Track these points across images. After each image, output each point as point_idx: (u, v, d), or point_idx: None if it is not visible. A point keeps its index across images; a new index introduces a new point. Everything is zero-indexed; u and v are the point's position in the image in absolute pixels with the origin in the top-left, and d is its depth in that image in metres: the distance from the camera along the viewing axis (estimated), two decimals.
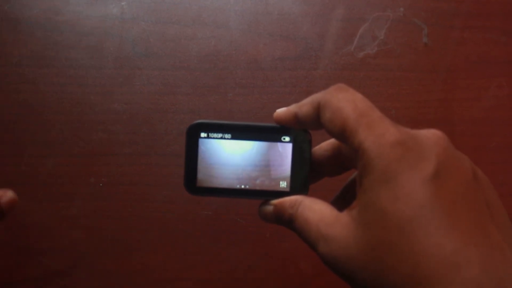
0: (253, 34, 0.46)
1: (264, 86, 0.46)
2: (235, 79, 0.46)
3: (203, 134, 0.28)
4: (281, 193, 0.28)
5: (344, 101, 0.24)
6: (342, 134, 0.23)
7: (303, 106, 0.26)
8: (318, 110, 0.25)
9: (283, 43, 0.46)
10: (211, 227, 0.45)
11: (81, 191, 0.45)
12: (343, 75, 0.46)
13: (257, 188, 0.28)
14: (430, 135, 0.23)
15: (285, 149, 0.28)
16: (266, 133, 0.28)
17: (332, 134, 0.25)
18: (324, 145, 0.29)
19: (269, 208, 0.28)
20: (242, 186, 0.28)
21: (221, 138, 0.28)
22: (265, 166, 0.28)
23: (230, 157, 0.28)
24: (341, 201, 0.30)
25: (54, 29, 0.46)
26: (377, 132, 0.22)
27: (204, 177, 0.28)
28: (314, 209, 0.25)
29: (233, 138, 0.28)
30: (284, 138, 0.28)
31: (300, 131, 0.28)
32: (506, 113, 0.46)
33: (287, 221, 0.27)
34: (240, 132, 0.28)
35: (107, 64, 0.46)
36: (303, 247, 0.46)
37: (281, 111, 0.27)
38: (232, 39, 0.46)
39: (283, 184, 0.28)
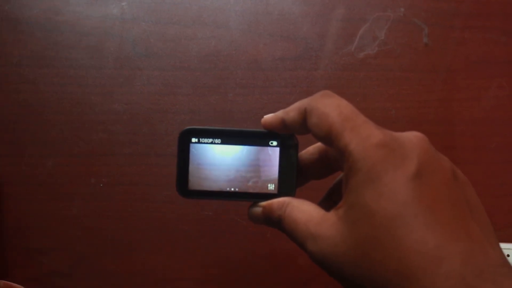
0: (253, 34, 0.46)
1: (265, 86, 0.46)
2: (235, 79, 0.46)
3: (194, 140, 0.30)
4: (270, 195, 0.29)
5: (330, 107, 0.25)
6: (328, 138, 0.24)
7: (290, 112, 0.27)
8: (304, 115, 0.26)
9: (283, 43, 0.46)
10: (211, 227, 0.45)
11: (81, 191, 0.45)
12: (343, 75, 0.46)
13: (247, 190, 0.30)
14: (412, 137, 0.24)
15: (273, 153, 0.30)
16: (255, 138, 0.30)
17: (318, 138, 0.26)
18: (311, 149, 0.31)
19: (258, 209, 0.29)
20: (232, 189, 0.30)
21: (212, 143, 0.30)
22: (254, 169, 0.30)
23: (220, 161, 0.30)
24: (328, 202, 0.31)
25: (54, 29, 0.46)
26: (362, 135, 0.23)
27: (195, 180, 0.30)
28: (302, 210, 0.26)
29: (222, 143, 0.30)
30: (272, 143, 0.29)
31: (287, 135, 0.29)
32: (506, 113, 0.46)
33: (276, 222, 0.28)
34: (229, 137, 0.30)
35: (107, 64, 0.46)
36: None
37: (268, 117, 0.29)
38: (232, 39, 0.46)
39: (271, 187, 0.30)
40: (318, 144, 0.30)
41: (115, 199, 0.45)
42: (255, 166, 0.29)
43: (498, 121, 0.46)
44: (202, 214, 0.45)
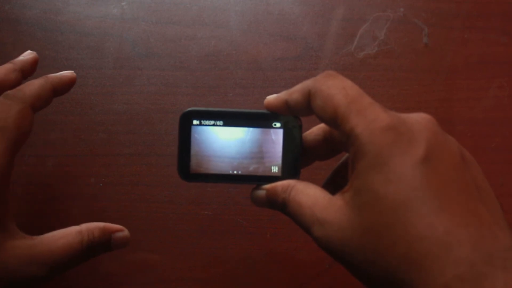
0: (253, 34, 0.46)
1: (264, 86, 0.46)
2: (235, 79, 0.46)
3: (195, 122, 0.29)
4: (273, 178, 0.28)
5: (335, 88, 0.24)
6: (334, 120, 0.24)
7: (293, 94, 0.27)
8: (308, 97, 0.26)
9: (283, 43, 0.46)
10: (211, 227, 0.45)
11: (81, 191, 0.45)
12: (343, 75, 0.46)
13: (250, 173, 0.29)
14: (420, 119, 0.23)
15: (276, 135, 0.29)
16: (257, 119, 0.29)
17: (323, 121, 0.25)
18: (315, 130, 0.30)
19: (262, 192, 0.28)
20: (235, 172, 0.29)
21: (213, 125, 0.29)
22: (257, 151, 0.29)
23: (222, 143, 0.29)
24: (332, 184, 0.30)
25: (54, 29, 0.46)
26: (368, 118, 0.23)
27: (197, 163, 0.29)
28: (307, 193, 0.25)
29: (225, 125, 0.29)
30: (275, 124, 0.29)
31: (290, 117, 0.28)
32: (507, 114, 0.46)
33: (280, 205, 0.27)
34: (231, 119, 0.29)
35: (108, 65, 0.46)
36: (303, 248, 0.46)
37: (271, 98, 0.28)
38: (232, 39, 0.46)
39: (275, 169, 0.29)
40: (322, 125, 0.29)
41: (115, 199, 0.45)
42: (258, 148, 0.29)
43: (498, 121, 0.46)
44: (202, 214, 0.45)
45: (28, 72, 0.35)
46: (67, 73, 0.34)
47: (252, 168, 0.29)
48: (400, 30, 0.47)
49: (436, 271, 0.20)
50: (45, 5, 0.46)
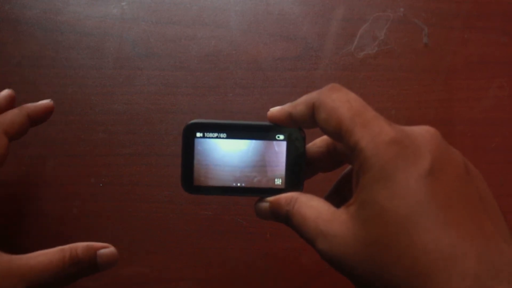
0: (253, 34, 0.46)
1: (264, 86, 0.46)
2: (235, 79, 0.46)
3: (198, 134, 0.29)
4: (277, 190, 0.28)
5: (339, 101, 0.24)
6: (338, 133, 0.24)
7: (297, 106, 0.27)
8: (312, 110, 0.25)
9: (283, 43, 0.46)
10: (211, 227, 0.45)
11: (81, 191, 0.45)
12: (343, 75, 0.46)
13: (253, 185, 0.29)
14: (424, 132, 0.23)
15: (279, 147, 0.29)
16: (261, 131, 0.29)
17: (327, 134, 0.25)
18: (318, 142, 0.30)
19: (265, 205, 0.28)
20: (238, 184, 0.29)
21: (217, 137, 0.29)
22: (260, 164, 0.29)
23: (226, 155, 0.29)
24: (335, 196, 0.30)
25: (54, 29, 0.46)
26: (373, 131, 0.23)
27: (200, 176, 0.29)
28: (311, 206, 0.25)
29: (228, 137, 0.29)
30: (278, 136, 0.29)
31: (294, 129, 0.28)
32: (507, 114, 0.46)
33: (283, 218, 0.27)
34: (235, 131, 0.29)
35: (107, 65, 0.46)
36: (303, 248, 0.46)
37: (275, 110, 0.28)
38: (232, 39, 0.46)
39: (278, 182, 0.29)
40: (325, 137, 0.29)
41: (115, 199, 0.45)
42: (262, 161, 0.29)
43: (498, 121, 0.46)
44: (202, 214, 0.45)
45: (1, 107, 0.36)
46: (43, 102, 0.36)
47: (255, 180, 0.29)
48: (400, 30, 0.47)
49: (442, 284, 0.20)
50: (45, 5, 0.46)
